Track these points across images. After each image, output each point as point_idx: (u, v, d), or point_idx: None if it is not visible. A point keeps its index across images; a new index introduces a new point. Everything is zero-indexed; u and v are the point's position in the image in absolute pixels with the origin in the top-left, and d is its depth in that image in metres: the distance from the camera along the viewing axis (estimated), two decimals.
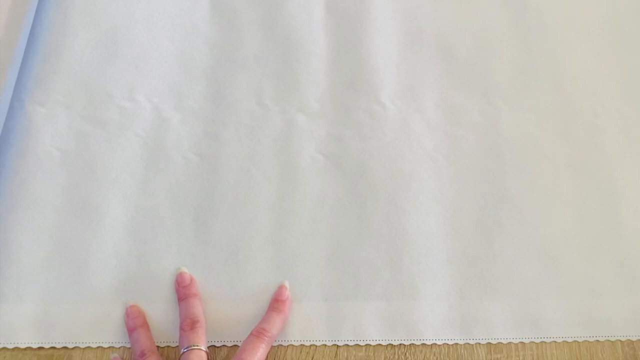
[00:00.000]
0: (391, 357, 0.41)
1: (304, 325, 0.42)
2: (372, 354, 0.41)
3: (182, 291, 0.42)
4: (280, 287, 0.43)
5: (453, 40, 0.52)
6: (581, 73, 0.51)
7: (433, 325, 0.42)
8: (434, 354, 0.41)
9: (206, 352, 0.39)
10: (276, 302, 0.42)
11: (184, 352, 0.39)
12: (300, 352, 0.42)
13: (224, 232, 0.45)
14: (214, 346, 0.42)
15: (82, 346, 0.41)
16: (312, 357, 0.41)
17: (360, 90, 0.50)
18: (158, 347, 0.41)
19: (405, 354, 0.41)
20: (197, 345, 0.39)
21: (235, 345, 0.42)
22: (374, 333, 0.42)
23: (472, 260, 0.44)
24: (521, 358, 0.41)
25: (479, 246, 0.44)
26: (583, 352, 0.41)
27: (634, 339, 0.42)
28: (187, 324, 0.40)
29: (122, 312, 0.42)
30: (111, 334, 0.42)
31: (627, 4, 0.54)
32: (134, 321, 0.42)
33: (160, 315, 0.42)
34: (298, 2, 0.53)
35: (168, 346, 0.42)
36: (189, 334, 0.39)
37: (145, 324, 0.42)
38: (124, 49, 0.51)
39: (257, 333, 0.40)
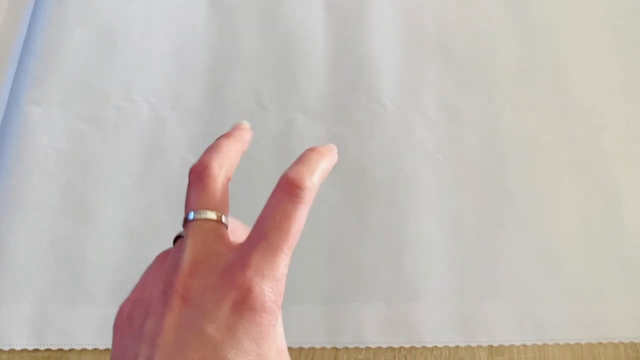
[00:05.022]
0: None
1: (302, 327, 0.42)
2: (372, 357, 0.41)
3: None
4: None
5: (454, 40, 0.52)
6: (583, 73, 0.50)
7: (434, 328, 0.42)
8: (435, 357, 0.41)
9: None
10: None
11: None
12: (299, 355, 0.41)
13: None
14: None
15: (78, 348, 0.41)
16: None
17: (360, 90, 0.50)
18: None
19: (406, 357, 0.41)
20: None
21: None
22: (374, 336, 0.41)
23: (473, 261, 0.44)
24: None
25: (480, 247, 0.44)
26: (585, 355, 0.41)
27: (636, 341, 0.41)
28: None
29: None
30: (108, 336, 0.41)
31: (629, 4, 0.53)
32: None
33: None
34: (297, 1, 0.53)
35: None
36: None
37: None
38: (121, 48, 0.50)
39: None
